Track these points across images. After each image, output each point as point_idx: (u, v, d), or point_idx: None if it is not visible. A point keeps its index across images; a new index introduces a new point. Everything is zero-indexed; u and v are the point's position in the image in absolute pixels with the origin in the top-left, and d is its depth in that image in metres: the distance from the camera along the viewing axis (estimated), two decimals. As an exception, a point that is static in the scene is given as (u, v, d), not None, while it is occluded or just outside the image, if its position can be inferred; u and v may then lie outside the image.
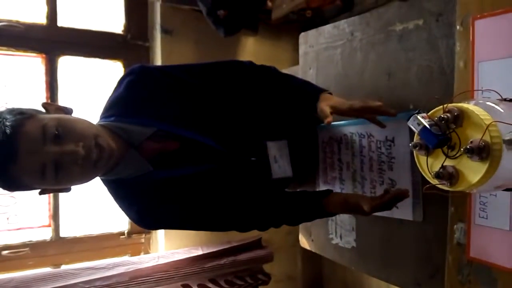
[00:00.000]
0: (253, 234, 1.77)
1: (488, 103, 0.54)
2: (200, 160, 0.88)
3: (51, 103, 1.02)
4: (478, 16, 0.69)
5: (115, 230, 1.80)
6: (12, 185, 0.76)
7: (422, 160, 0.56)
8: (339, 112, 0.86)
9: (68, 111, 0.82)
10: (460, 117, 0.51)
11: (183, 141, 0.87)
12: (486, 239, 0.67)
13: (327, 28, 1.05)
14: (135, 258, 1.73)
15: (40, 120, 0.74)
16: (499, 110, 0.54)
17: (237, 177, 0.93)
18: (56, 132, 0.72)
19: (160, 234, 1.84)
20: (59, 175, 0.73)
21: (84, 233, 1.69)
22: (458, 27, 0.73)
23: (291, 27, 1.73)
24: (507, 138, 0.50)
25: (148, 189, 0.86)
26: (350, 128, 1.03)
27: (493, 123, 0.50)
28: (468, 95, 0.68)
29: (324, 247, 1.12)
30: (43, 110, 0.80)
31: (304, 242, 1.21)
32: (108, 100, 0.89)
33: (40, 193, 0.81)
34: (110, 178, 0.86)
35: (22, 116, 0.73)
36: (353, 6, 1.29)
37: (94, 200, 1.64)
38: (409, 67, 0.86)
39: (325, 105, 0.86)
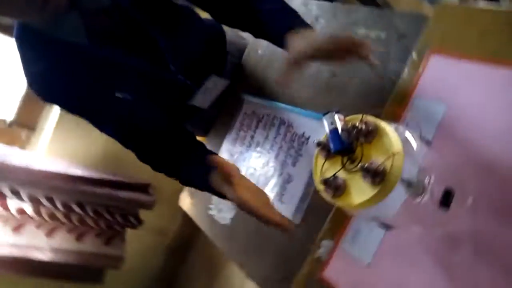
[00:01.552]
0: (144, 177, 1.68)
1: (407, 133, 0.51)
2: (140, 52, 0.85)
3: None
4: (436, 50, 0.66)
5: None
6: None
7: (319, 162, 0.52)
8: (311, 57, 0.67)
9: None
10: (372, 133, 0.47)
11: (134, 27, 0.83)
12: (344, 265, 0.65)
13: (296, 1, 0.98)
14: (7, 149, 1.54)
15: None
16: (412, 146, 0.51)
17: (159, 86, 0.93)
18: None
19: (45, 137, 1.66)
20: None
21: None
22: (413, 54, 0.70)
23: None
24: (405, 176, 0.47)
25: (67, 58, 0.80)
26: (277, 111, 0.98)
27: (400, 154, 0.46)
28: (395, 117, 0.66)
29: (200, 214, 1.07)
30: None
31: (183, 202, 1.15)
32: None
33: None
34: (36, 28, 0.77)
35: None
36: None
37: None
38: (355, 74, 0.82)
39: (292, 52, 0.68)
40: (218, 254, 1.89)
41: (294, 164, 0.90)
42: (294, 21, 0.77)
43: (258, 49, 1.11)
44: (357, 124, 0.48)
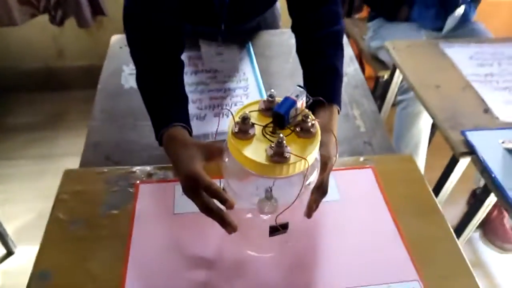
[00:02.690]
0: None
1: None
2: None
3: None
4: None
5: None
6: None
7: (254, 106, 0.50)
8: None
9: None
10: (307, 133, 0.48)
11: None
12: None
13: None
14: None
15: None
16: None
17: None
18: None
19: None
20: None
21: None
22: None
23: None
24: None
25: None
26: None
27: (309, 162, 0.46)
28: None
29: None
30: None
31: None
32: None
33: None
34: None
35: None
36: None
37: None
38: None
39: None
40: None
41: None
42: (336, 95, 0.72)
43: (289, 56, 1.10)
44: (308, 119, 0.48)
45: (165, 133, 0.64)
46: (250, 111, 0.49)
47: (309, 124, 0.48)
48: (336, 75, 0.74)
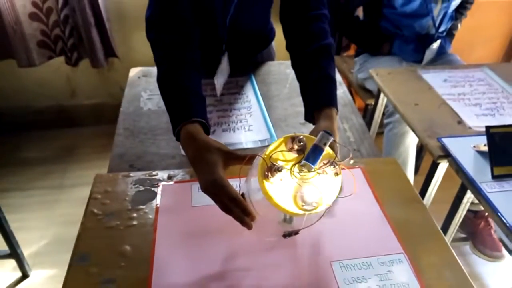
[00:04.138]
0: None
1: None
2: None
3: None
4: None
5: None
6: None
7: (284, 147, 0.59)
8: None
9: None
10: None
11: None
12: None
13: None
14: None
15: None
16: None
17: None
18: None
19: None
20: None
21: None
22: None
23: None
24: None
25: None
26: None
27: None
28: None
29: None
30: None
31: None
32: None
33: None
34: None
35: None
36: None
37: None
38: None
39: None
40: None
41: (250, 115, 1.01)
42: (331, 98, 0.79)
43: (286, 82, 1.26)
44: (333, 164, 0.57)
45: (184, 127, 0.70)
46: (277, 150, 0.57)
47: (335, 171, 0.57)
48: (331, 82, 0.81)
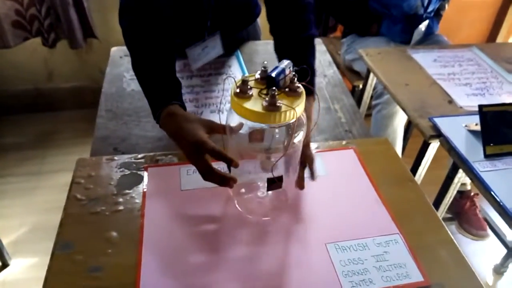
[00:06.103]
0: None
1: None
2: None
3: None
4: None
5: None
6: None
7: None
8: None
9: None
10: (294, 93, 0.58)
11: None
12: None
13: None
14: None
15: None
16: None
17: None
18: None
19: None
20: None
21: None
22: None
23: None
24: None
25: None
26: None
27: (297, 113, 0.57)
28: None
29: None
30: None
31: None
32: None
33: None
34: None
35: None
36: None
37: None
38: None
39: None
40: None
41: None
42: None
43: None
44: (294, 81, 0.58)
45: (164, 110, 0.73)
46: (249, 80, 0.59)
47: (295, 85, 0.58)
48: (312, 72, 0.84)
